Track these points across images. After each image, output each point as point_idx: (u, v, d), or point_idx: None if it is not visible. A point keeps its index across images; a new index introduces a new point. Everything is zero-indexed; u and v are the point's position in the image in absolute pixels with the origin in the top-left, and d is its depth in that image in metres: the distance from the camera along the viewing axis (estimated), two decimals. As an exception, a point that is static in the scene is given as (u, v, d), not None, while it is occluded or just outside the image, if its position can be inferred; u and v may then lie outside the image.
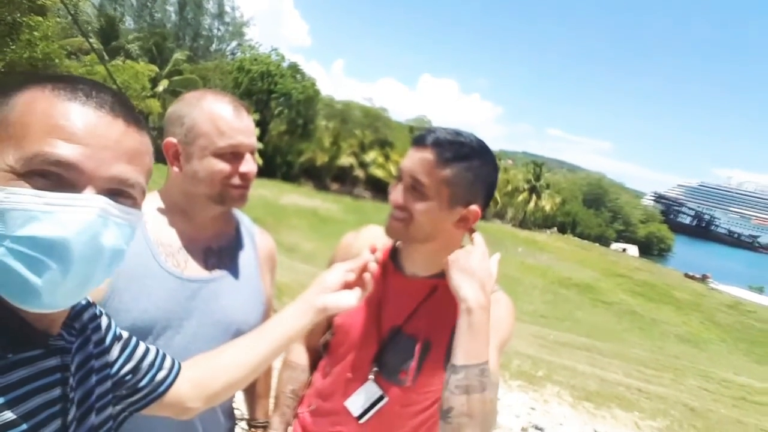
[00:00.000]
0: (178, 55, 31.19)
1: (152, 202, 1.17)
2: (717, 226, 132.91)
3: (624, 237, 61.81)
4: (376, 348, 1.20)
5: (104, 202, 0.58)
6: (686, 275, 41.90)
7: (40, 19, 12.24)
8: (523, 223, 47.81)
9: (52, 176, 0.56)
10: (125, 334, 0.84)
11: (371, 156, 39.05)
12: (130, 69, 22.63)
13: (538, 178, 49.01)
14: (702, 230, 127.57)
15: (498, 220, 45.63)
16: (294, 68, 38.06)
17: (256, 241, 1.32)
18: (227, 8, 42.21)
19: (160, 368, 0.85)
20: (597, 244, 50.75)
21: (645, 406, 6.99)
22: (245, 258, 1.26)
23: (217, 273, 1.18)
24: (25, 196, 0.54)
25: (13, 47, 11.78)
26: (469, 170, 1.07)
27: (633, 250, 54.17)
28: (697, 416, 7.33)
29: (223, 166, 1.11)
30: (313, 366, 1.37)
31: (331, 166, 39.05)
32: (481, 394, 0.96)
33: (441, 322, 1.15)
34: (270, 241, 1.38)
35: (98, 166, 0.58)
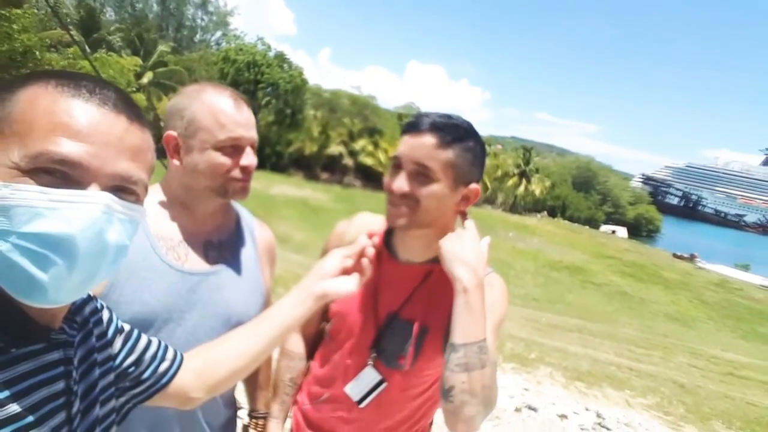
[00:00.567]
0: (162, 47, 30.58)
1: (153, 195, 1.16)
2: (704, 206, 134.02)
3: (613, 219, 62.38)
4: (373, 334, 1.22)
5: (109, 198, 0.59)
6: (674, 255, 42.33)
7: (18, 11, 11.92)
8: (513, 208, 47.91)
9: (57, 174, 0.56)
10: (127, 327, 0.84)
11: (360, 144, 38.75)
12: (116, 64, 22.20)
13: (527, 162, 49.00)
14: (689, 210, 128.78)
15: (488, 206, 45.66)
16: (280, 58, 37.43)
17: (255, 235, 1.33)
18: (211, -3, 41.58)
19: (162, 360, 0.86)
20: (587, 227, 51.16)
21: (635, 384, 7.11)
22: (245, 251, 1.27)
23: (218, 266, 1.19)
24: (31, 193, 0.54)
25: (-9, 40, 11.53)
26: (468, 150, 1.09)
27: (622, 231, 54.71)
28: (687, 392, 7.49)
29: (224, 160, 1.11)
30: (310, 354, 1.39)
31: (320, 156, 38.73)
32: (481, 371, 0.98)
33: (437, 307, 1.17)
34: (269, 234, 1.39)
35: (102, 164, 0.59)
